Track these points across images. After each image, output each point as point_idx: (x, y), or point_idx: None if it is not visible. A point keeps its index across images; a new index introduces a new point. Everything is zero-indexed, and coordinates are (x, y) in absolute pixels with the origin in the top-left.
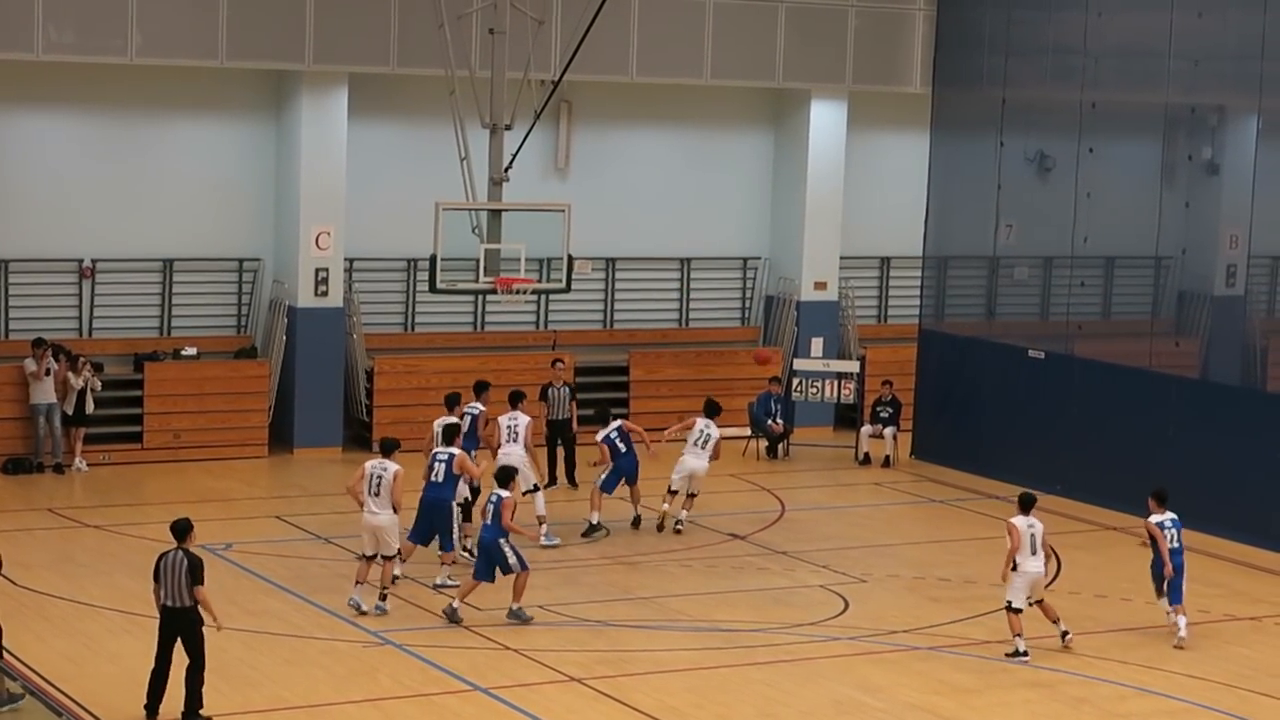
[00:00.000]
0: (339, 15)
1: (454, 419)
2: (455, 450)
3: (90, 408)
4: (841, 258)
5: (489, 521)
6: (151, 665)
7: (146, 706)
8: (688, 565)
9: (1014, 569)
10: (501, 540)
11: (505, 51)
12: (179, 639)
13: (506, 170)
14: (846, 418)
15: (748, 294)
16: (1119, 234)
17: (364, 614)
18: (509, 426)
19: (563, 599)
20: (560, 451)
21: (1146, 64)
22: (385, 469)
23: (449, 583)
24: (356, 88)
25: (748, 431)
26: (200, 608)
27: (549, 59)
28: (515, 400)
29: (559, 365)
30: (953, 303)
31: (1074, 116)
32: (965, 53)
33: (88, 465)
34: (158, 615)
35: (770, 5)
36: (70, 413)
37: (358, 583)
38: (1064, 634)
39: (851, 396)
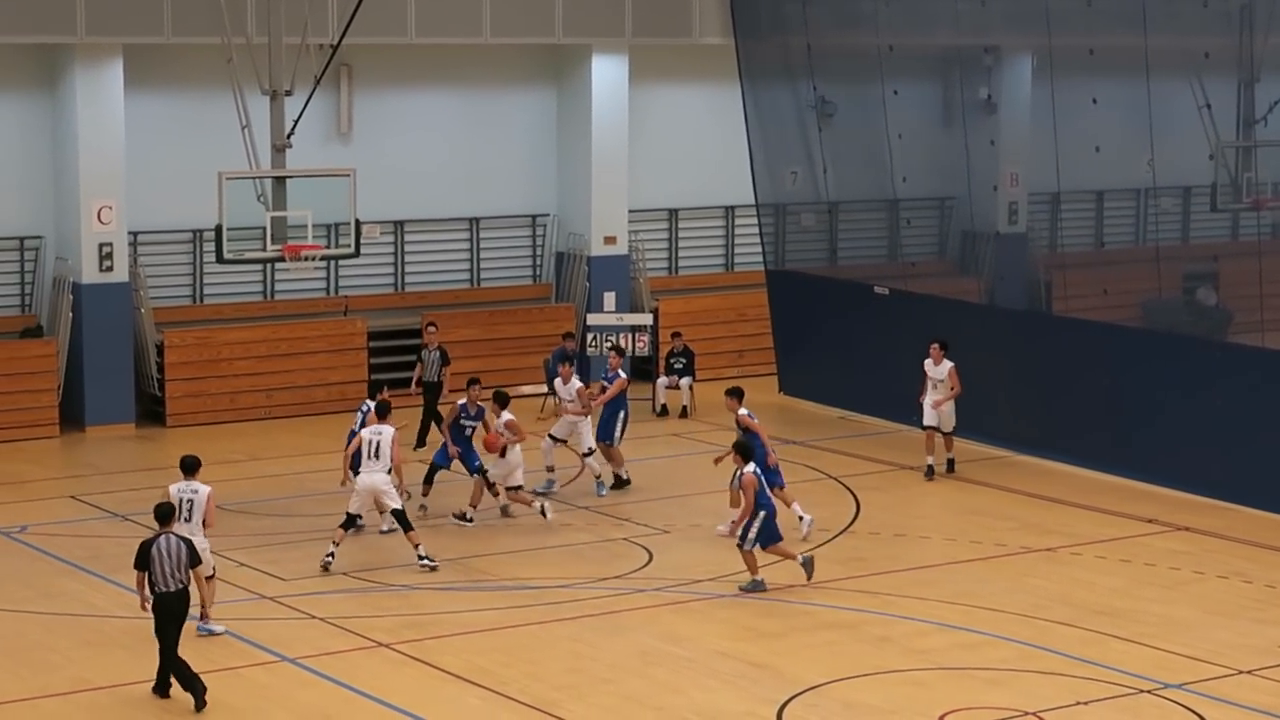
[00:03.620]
0: None
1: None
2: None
3: None
4: (630, 211)
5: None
6: (171, 658)
7: (156, 689)
8: (490, 525)
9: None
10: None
11: (282, 16)
12: (173, 622)
13: (289, 137)
14: (641, 370)
15: (538, 251)
16: (921, 174)
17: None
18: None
19: (366, 564)
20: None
21: (934, 6)
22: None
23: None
24: (132, 59)
25: (544, 388)
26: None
27: (326, 23)
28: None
29: (431, 329)
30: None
31: (872, 60)
32: (761, 2)
33: None
34: (151, 602)
35: None
36: None
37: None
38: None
39: (646, 349)
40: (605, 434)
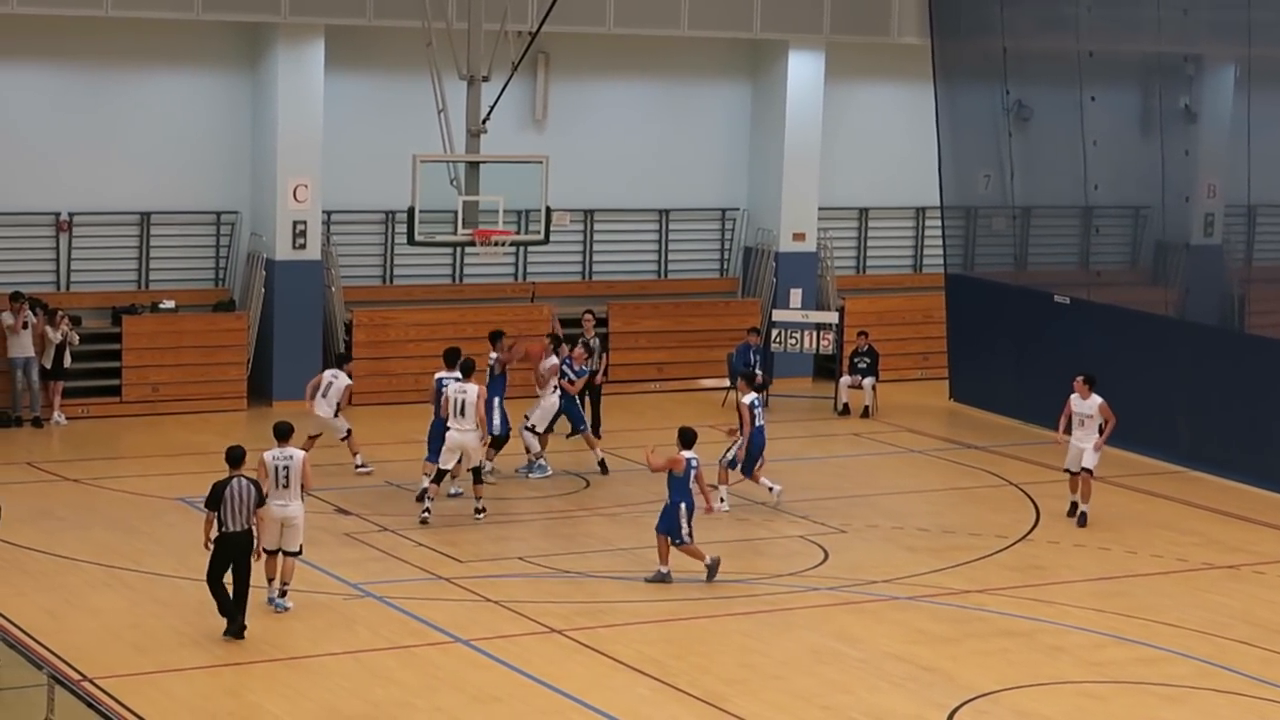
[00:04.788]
0: None
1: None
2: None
3: (68, 361)
4: (820, 209)
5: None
6: (219, 589)
7: (225, 613)
8: None
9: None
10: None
11: (482, 3)
12: (234, 562)
13: (484, 122)
14: (825, 368)
15: (726, 245)
16: (1115, 182)
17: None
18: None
19: (541, 550)
20: (588, 401)
21: (1135, 13)
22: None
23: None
24: (333, 40)
25: (727, 382)
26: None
27: (526, 10)
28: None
29: (589, 317)
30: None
31: (1070, 65)
32: (960, 3)
33: (66, 419)
34: (214, 542)
35: None
36: (48, 366)
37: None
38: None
39: (830, 347)
40: (556, 421)
